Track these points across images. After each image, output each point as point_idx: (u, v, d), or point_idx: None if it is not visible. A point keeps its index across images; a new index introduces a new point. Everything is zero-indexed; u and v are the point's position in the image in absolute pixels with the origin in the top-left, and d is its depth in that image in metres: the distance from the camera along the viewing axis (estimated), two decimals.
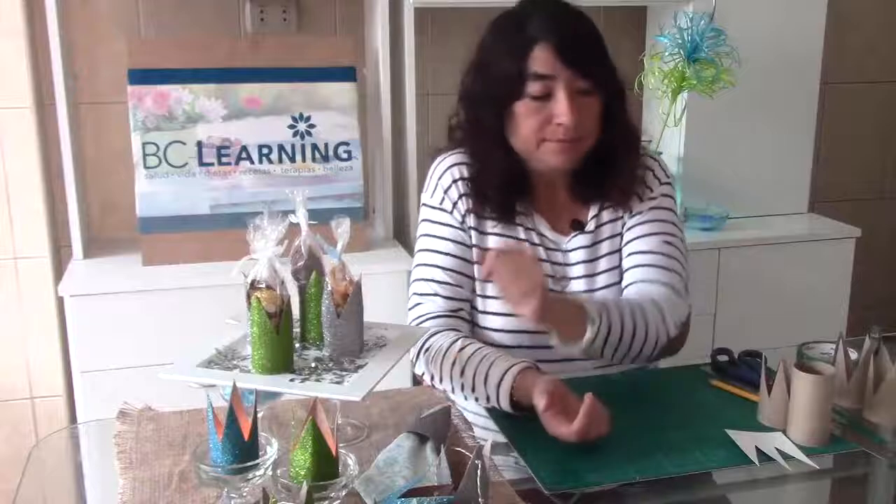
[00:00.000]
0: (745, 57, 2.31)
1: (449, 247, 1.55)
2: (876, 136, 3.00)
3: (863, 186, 3.04)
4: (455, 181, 1.56)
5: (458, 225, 1.55)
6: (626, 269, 1.56)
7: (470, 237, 1.55)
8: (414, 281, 1.57)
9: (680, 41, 2.29)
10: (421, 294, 1.54)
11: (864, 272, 2.72)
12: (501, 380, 1.37)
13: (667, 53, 2.32)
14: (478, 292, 1.55)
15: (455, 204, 1.55)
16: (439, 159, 1.60)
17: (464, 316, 1.54)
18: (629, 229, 1.58)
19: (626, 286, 1.56)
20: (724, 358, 1.54)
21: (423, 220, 1.59)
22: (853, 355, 1.40)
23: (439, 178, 1.57)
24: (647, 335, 1.46)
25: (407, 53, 2.26)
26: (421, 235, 1.59)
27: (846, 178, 3.00)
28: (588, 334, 1.40)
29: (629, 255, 1.57)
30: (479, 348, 1.44)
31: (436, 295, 1.53)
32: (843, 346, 1.39)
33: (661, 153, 2.44)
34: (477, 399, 1.42)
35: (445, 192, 1.56)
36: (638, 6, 2.60)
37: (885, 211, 3.07)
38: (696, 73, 2.30)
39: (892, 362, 1.34)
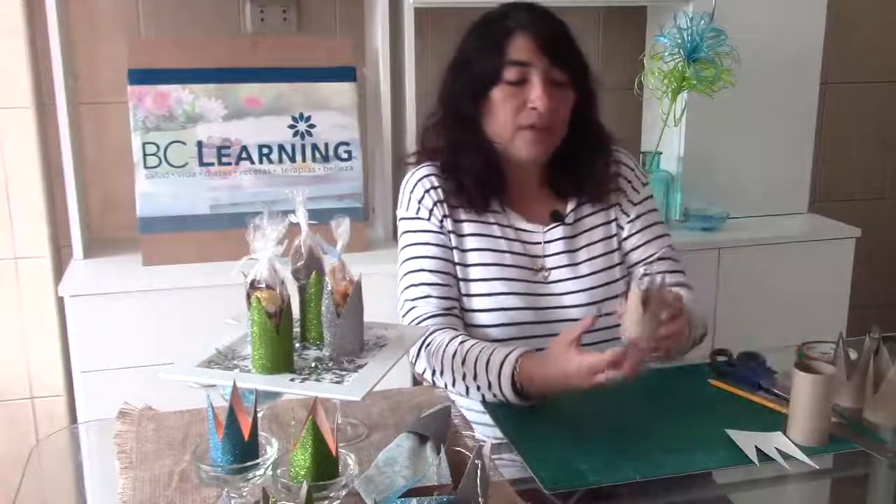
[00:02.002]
0: (745, 57, 2.31)
1: (433, 250, 1.57)
2: (876, 136, 3.00)
3: (863, 186, 3.03)
4: (427, 191, 1.59)
5: (437, 229, 1.58)
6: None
7: (450, 240, 1.58)
8: (404, 289, 1.58)
9: (680, 41, 2.29)
10: (413, 298, 1.56)
11: (864, 272, 2.72)
12: (504, 361, 1.40)
13: (667, 53, 2.32)
14: (462, 291, 1.57)
15: (431, 211, 1.59)
16: (409, 174, 1.64)
17: (457, 314, 1.56)
18: (630, 237, 1.65)
19: None
20: (722, 358, 1.54)
21: (403, 233, 1.62)
22: (853, 355, 1.40)
23: (412, 191, 1.61)
24: (702, 336, 1.60)
25: (407, 53, 2.26)
26: (403, 247, 1.62)
27: (846, 178, 3.00)
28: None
29: (640, 261, 1.64)
30: (480, 341, 1.48)
31: (428, 297, 1.55)
32: (843, 346, 1.39)
33: (661, 153, 2.44)
34: (479, 388, 1.43)
35: (420, 202, 1.59)
36: (638, 6, 2.60)
37: (885, 211, 3.07)
38: (696, 73, 2.29)
39: (892, 362, 1.34)
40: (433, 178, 1.60)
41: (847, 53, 2.86)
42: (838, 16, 2.70)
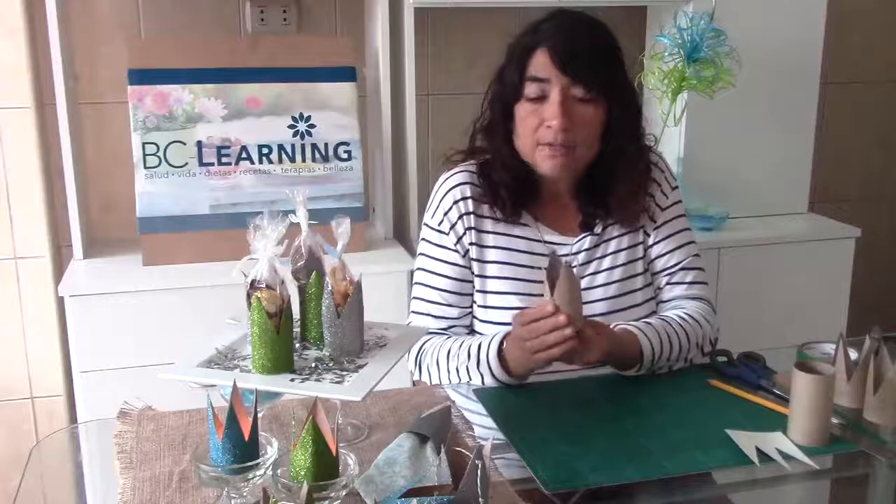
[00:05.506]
0: (745, 57, 2.31)
1: (443, 268, 1.59)
2: (876, 136, 3.00)
3: (863, 186, 3.04)
4: (456, 202, 1.59)
5: (452, 247, 1.59)
6: (662, 286, 1.62)
7: (469, 252, 1.58)
8: (412, 298, 1.63)
9: (680, 41, 2.29)
10: (416, 312, 1.61)
11: (864, 272, 2.72)
12: (492, 339, 1.46)
13: (667, 53, 2.32)
14: (479, 302, 1.59)
15: (453, 226, 1.59)
16: (444, 177, 1.63)
17: (454, 333, 1.59)
18: (655, 244, 1.62)
19: (664, 301, 1.62)
20: (722, 359, 1.54)
21: (423, 240, 1.64)
22: (853, 355, 1.40)
23: (441, 199, 1.61)
24: (688, 358, 1.54)
25: (407, 53, 2.26)
26: (420, 254, 1.64)
27: (846, 178, 3.00)
28: (632, 372, 1.48)
29: (662, 271, 1.62)
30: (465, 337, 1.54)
31: (427, 315, 1.59)
32: (843, 346, 1.39)
33: (661, 153, 2.44)
34: (468, 369, 1.47)
35: (445, 214, 1.59)
36: (638, 6, 2.60)
37: (885, 211, 3.07)
38: (695, 73, 2.29)
39: (892, 362, 1.34)
40: (466, 187, 1.59)
41: (847, 53, 2.86)
42: (838, 16, 2.70)
